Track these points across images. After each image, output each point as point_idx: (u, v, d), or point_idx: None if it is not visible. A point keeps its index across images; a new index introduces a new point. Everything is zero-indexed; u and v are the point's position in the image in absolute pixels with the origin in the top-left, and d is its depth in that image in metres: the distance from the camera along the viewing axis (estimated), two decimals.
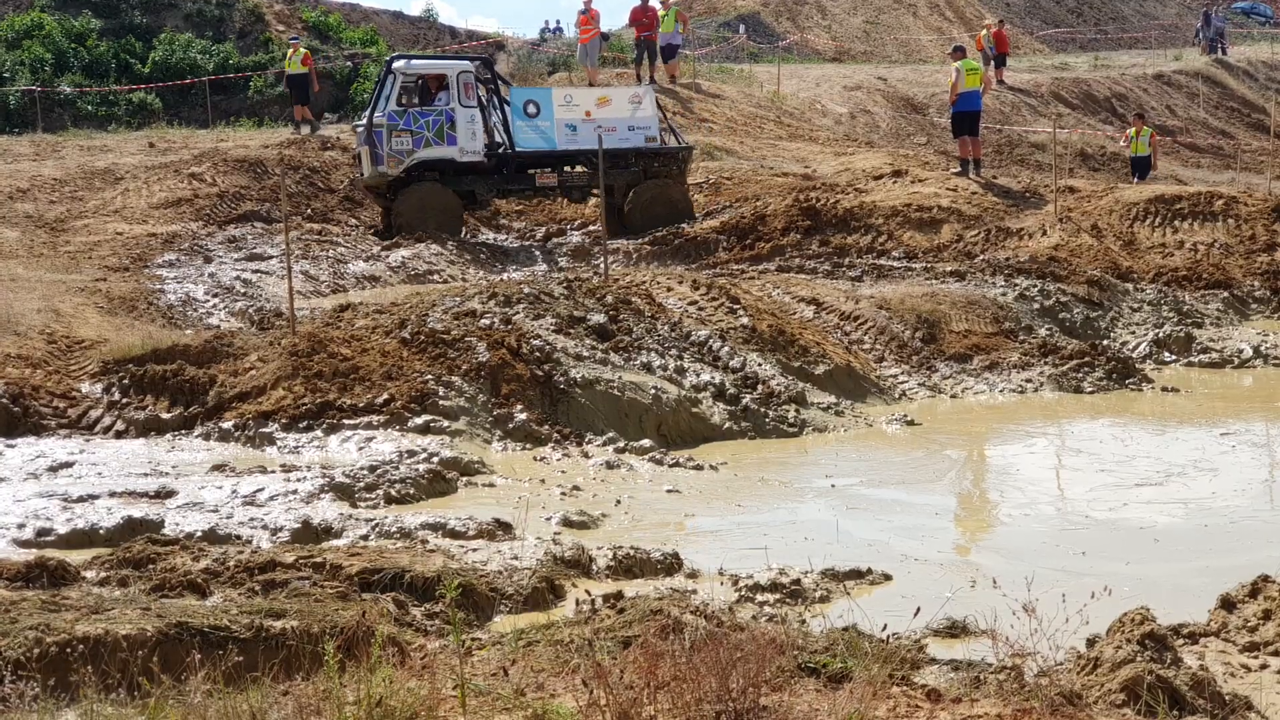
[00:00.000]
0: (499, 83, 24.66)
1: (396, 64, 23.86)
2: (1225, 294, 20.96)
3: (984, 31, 39.84)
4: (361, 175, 24.01)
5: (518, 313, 15.82)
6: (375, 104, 23.59)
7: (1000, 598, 6.89)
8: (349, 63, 41.95)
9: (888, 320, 18.19)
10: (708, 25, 56.77)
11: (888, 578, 9.62)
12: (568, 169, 24.56)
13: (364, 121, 23.58)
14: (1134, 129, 28.25)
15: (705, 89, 34.87)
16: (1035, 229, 22.84)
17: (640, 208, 24.52)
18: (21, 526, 10.52)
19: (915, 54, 56.03)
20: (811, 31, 59.53)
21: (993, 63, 37.79)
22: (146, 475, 12.16)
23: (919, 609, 6.95)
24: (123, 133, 33.24)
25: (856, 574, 9.60)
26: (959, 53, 26.15)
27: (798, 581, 9.34)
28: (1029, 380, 16.86)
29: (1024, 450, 14.34)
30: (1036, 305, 19.22)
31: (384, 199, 23.88)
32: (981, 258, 21.84)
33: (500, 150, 23.92)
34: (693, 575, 9.75)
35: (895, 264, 21.78)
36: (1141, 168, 27.75)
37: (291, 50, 32.02)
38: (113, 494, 11.52)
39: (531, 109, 24.01)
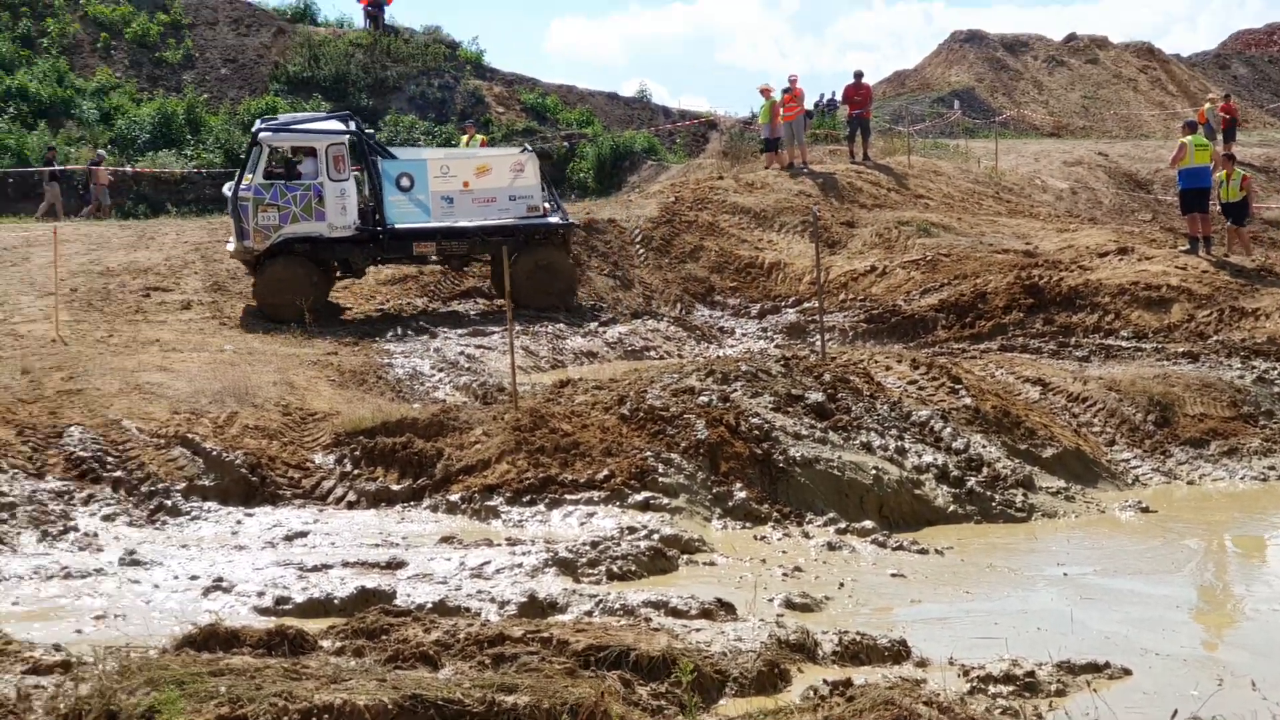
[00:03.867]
0: (377, 152, 23.48)
1: (263, 134, 22.83)
2: None
3: (1208, 105, 38.74)
4: (230, 246, 23.23)
5: (735, 390, 15.79)
6: (241, 174, 22.74)
7: (1260, 700, 6.55)
8: (565, 143, 42.75)
9: (1118, 402, 17.67)
10: (921, 101, 56.44)
11: (1127, 672, 9.26)
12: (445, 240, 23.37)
13: (231, 191, 22.74)
14: (1224, 173, 26.15)
15: (886, 166, 34.56)
16: (1273, 309, 21.96)
17: (522, 278, 22.76)
18: (261, 594, 10.83)
19: (1136, 129, 54.81)
20: (1028, 107, 58.71)
21: (1220, 136, 36.66)
22: (378, 546, 12.44)
23: (1176, 711, 6.64)
24: None
25: (1094, 667, 9.29)
26: (1189, 128, 25.42)
27: (1032, 674, 9.07)
28: (1272, 467, 16.18)
29: (1270, 541, 13.73)
30: (1277, 389, 18.46)
31: (253, 271, 22.91)
32: (1215, 338, 21.07)
33: (375, 222, 22.90)
34: (922, 664, 9.52)
35: (1124, 344, 21.17)
36: (1236, 213, 25.67)
37: (467, 136, 32.69)
38: (345, 564, 11.80)
39: (405, 182, 22.94)
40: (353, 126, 23.51)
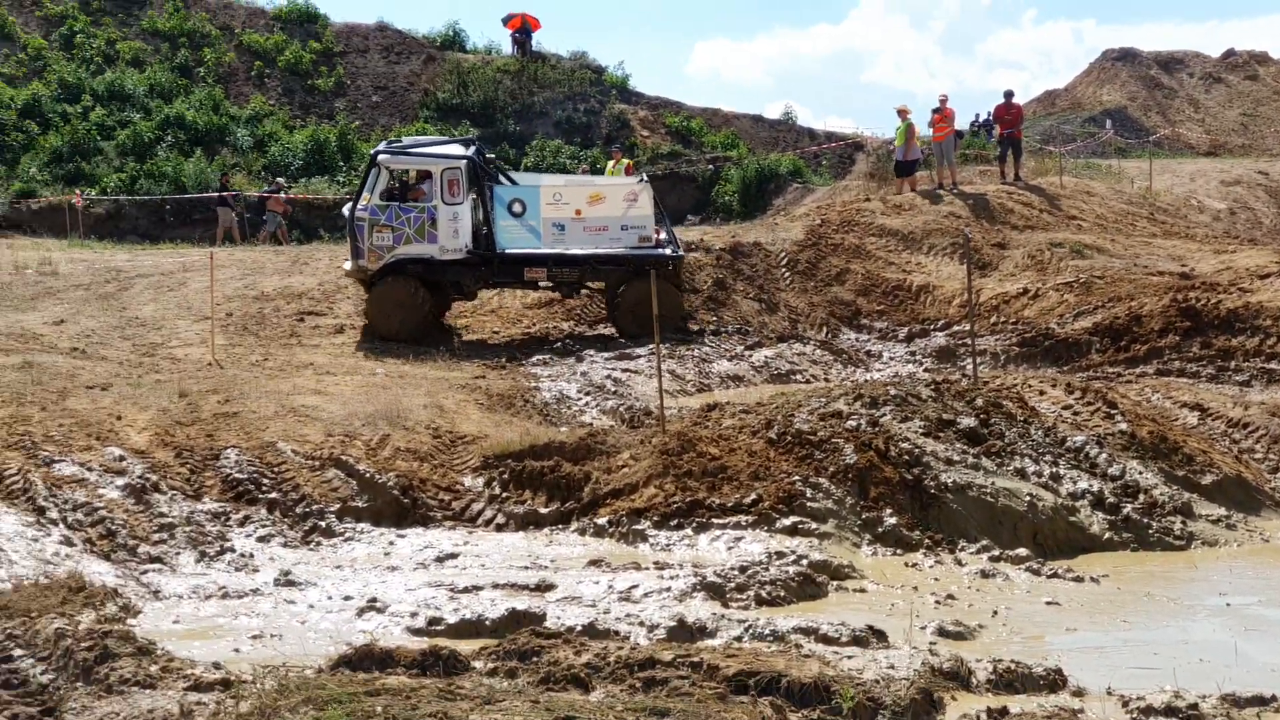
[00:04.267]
0: (492, 177, 23.66)
1: (381, 156, 23.27)
2: None
3: None
4: (346, 265, 23.73)
5: (885, 414, 15.62)
6: (359, 194, 23.23)
7: None
8: (710, 166, 42.84)
9: None
10: (1072, 121, 55.58)
11: None
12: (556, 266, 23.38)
13: (348, 211, 23.27)
14: None
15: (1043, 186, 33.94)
16: None
17: (627, 308, 23.11)
18: (414, 615, 10.99)
19: None
20: (1183, 125, 57.53)
21: None
22: (527, 568, 12.56)
23: None
24: None
25: (1260, 700, 9.02)
26: None
27: (1195, 706, 8.83)
28: None
29: None
30: None
31: (368, 290, 23.28)
32: None
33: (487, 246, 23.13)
34: (1079, 693, 9.34)
35: None
36: None
37: (613, 161, 32.77)
38: (495, 585, 11.93)
39: (517, 208, 23.00)
40: (471, 151, 23.75)
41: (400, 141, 25.70)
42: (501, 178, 24.21)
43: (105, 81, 43.51)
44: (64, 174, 39.36)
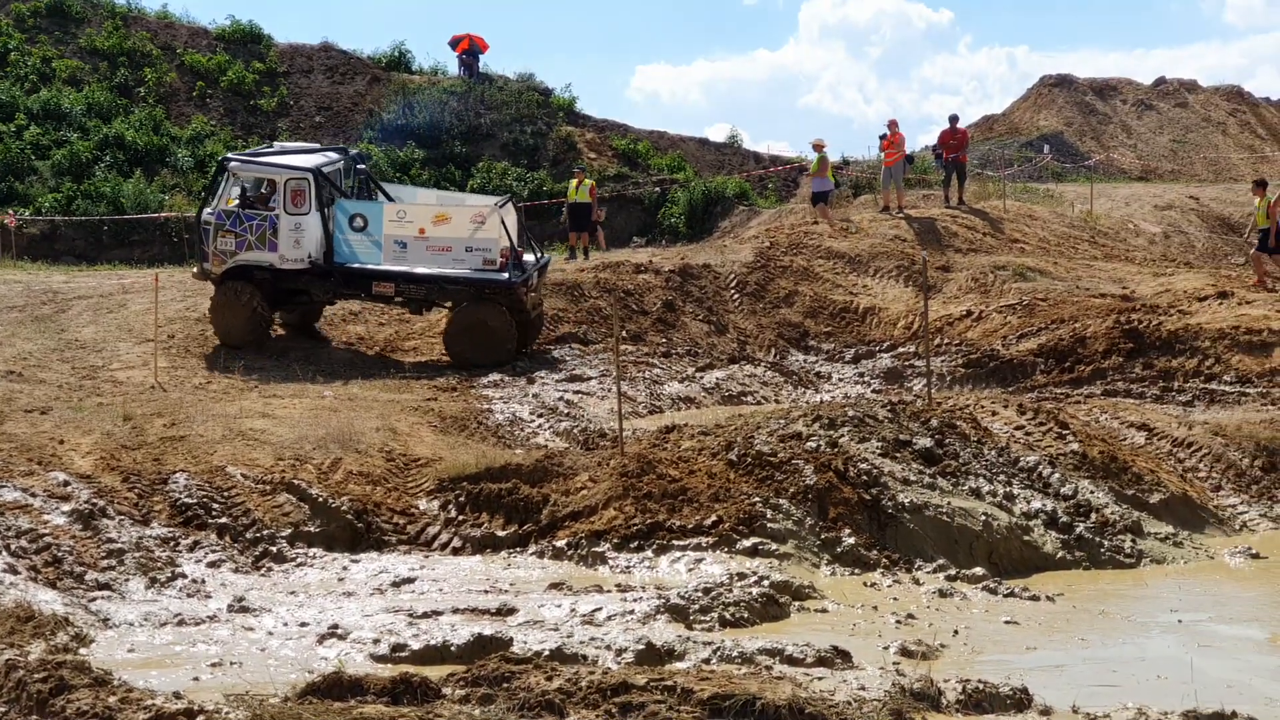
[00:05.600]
0: (339, 190, 23.49)
1: (232, 164, 23.56)
2: None
3: None
4: (193, 270, 23.98)
5: (843, 435, 15.69)
6: (207, 199, 23.51)
7: None
8: (656, 188, 42.87)
9: (1224, 447, 17.41)
10: (1009, 145, 56.05)
11: None
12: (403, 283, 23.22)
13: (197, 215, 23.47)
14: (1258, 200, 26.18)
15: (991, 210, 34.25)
16: None
17: (455, 334, 22.93)
18: (376, 642, 10.88)
19: (1225, 173, 54.08)
20: (1116, 150, 58.17)
21: None
22: (486, 592, 12.49)
23: None
24: None
25: (1220, 717, 9.13)
26: (1259, 188, 25.74)
27: None
28: None
29: None
30: None
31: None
32: None
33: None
34: (1045, 712, 9.42)
35: (1227, 389, 20.80)
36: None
37: (577, 180, 32.80)
38: (455, 610, 11.86)
39: (358, 222, 22.88)
40: (323, 161, 23.61)
41: (270, 147, 25.65)
42: (379, 192, 24.37)
43: (40, 100, 42.76)
44: None
